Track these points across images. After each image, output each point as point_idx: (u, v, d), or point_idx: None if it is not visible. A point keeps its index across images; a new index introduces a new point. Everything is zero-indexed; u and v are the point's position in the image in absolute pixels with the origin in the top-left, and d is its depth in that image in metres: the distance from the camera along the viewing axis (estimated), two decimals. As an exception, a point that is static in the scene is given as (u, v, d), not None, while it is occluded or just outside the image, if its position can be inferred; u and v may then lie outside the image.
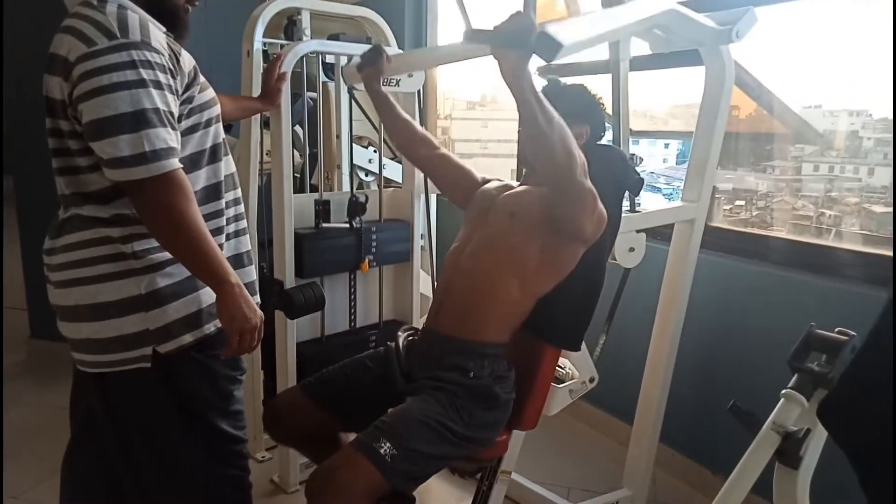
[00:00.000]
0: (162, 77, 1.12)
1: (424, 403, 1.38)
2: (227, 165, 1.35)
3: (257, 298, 1.41)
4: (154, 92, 1.10)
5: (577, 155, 1.27)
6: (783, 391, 1.16)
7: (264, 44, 2.17)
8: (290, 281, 1.95)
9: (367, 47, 1.73)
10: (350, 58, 1.99)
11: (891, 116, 1.94)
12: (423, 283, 2.39)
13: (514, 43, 1.10)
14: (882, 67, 1.73)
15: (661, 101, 2.80)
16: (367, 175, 2.58)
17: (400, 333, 1.66)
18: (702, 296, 1.96)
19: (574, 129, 1.53)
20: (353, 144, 2.39)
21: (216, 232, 1.28)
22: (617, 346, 1.93)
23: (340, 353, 1.88)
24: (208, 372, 1.27)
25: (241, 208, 1.41)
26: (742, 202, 2.40)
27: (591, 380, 1.75)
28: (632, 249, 1.75)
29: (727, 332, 2.08)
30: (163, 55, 1.14)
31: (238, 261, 1.37)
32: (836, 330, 1.21)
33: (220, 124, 1.33)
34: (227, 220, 1.34)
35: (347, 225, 2.08)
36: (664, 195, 3.08)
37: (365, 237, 2.11)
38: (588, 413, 2.55)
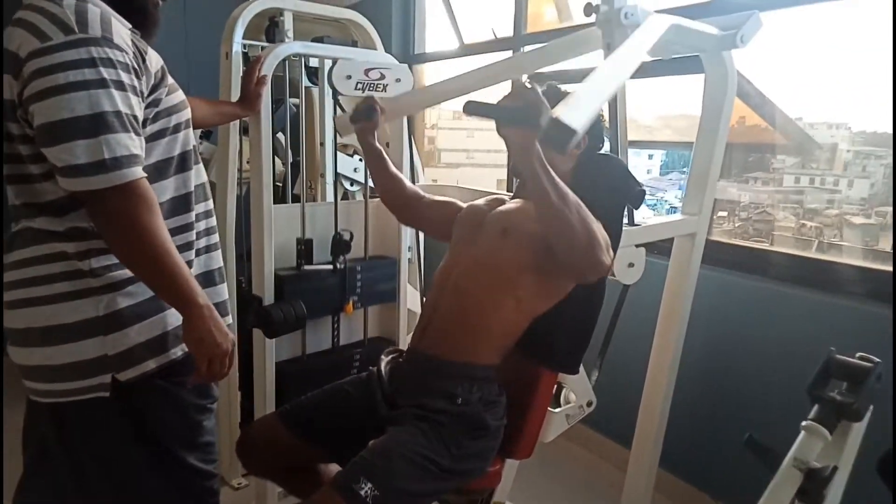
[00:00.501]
0: (125, 77, 1.02)
1: (408, 436, 1.28)
2: (198, 175, 1.24)
3: (229, 319, 1.30)
4: (115, 93, 1.00)
5: (597, 232, 1.16)
6: (804, 423, 1.07)
7: (244, 46, 2.07)
8: (269, 297, 1.83)
9: (352, 51, 1.63)
10: (335, 61, 1.90)
11: (868, 128, 1.97)
12: (411, 299, 2.28)
13: (521, 122, 1.05)
14: (864, 78, 1.74)
15: (646, 110, 2.75)
16: (352, 184, 2.47)
17: (383, 357, 1.55)
18: (703, 312, 1.87)
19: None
20: (338, 152, 2.28)
21: (184, 247, 1.17)
22: (614, 365, 1.83)
23: (322, 373, 1.77)
24: (175, 401, 1.16)
25: (213, 221, 1.30)
26: (724, 213, 2.39)
27: (589, 403, 1.65)
28: (631, 265, 1.65)
29: (730, 351, 2.00)
30: (126, 53, 1.03)
31: (209, 279, 1.26)
32: (858, 356, 1.12)
33: (191, 130, 1.22)
34: (198, 234, 1.23)
35: (331, 266, 1.95)
36: (649, 206, 3.03)
37: (349, 278, 2.00)
38: (583, 436, 2.45)
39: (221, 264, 1.31)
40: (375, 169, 1.68)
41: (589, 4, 1.42)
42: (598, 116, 1.52)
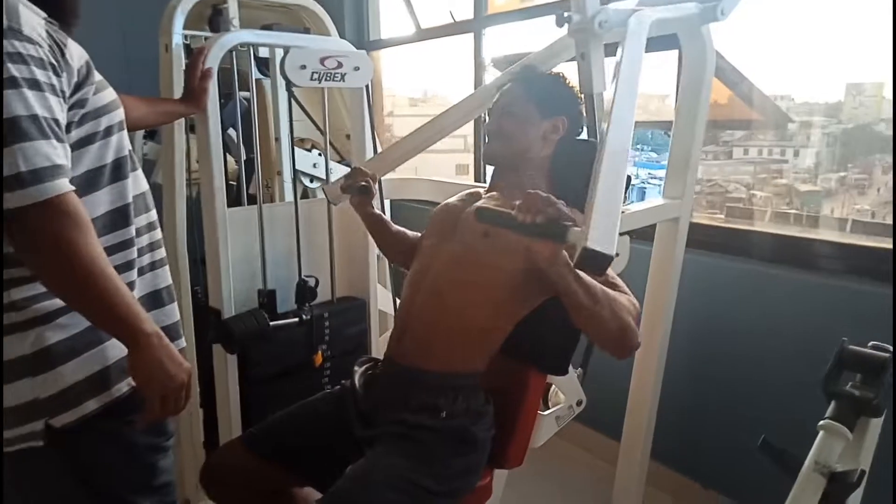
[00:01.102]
0: (40, 74, 0.87)
1: (388, 458, 1.17)
2: (137, 183, 1.09)
3: (182, 342, 1.16)
4: (29, 94, 0.85)
5: (630, 323, 1.13)
6: (822, 422, 0.99)
7: (186, 37, 1.90)
8: (228, 309, 1.68)
9: (306, 38, 1.49)
10: (287, 51, 1.74)
11: (811, 99, 2.03)
12: (382, 299, 2.15)
13: (545, 237, 1.01)
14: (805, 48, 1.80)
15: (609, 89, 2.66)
16: (312, 181, 2.32)
17: (356, 368, 1.43)
18: (688, 298, 1.80)
19: (550, 122, 1.36)
20: (295, 148, 2.13)
21: (125, 267, 1.02)
22: (599, 356, 1.73)
23: (293, 385, 1.65)
24: (123, 443, 1.02)
25: (158, 234, 1.15)
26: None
27: (579, 403, 1.57)
28: (616, 255, 1.56)
29: (717, 336, 1.95)
30: (40, 46, 0.88)
31: (156, 299, 1.12)
32: (871, 345, 1.05)
33: (125, 133, 1.07)
34: (140, 250, 1.08)
35: (297, 319, 1.79)
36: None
37: (316, 327, 1.84)
38: (570, 430, 2.33)
39: (170, 281, 1.16)
40: (379, 234, 1.60)
41: (560, 16, 1.32)
42: (578, 98, 1.42)
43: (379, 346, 2.04)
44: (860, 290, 1.64)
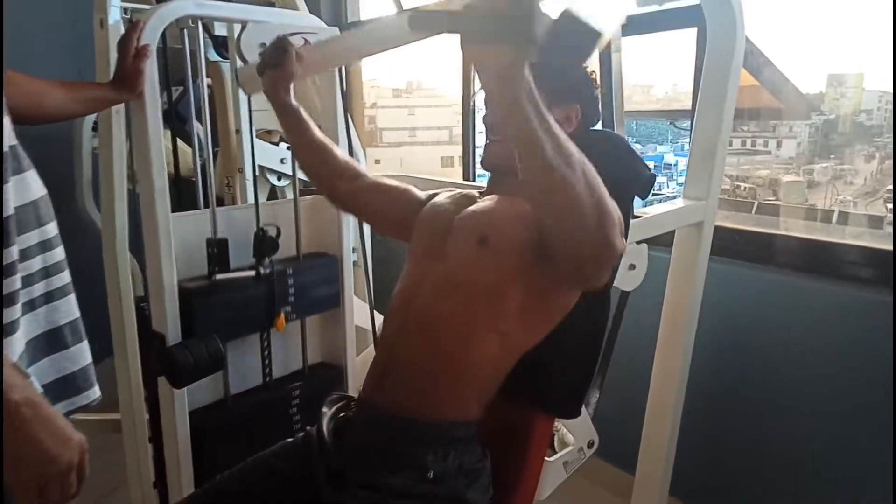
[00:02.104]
0: None
1: None
2: (24, 190, 0.83)
3: (95, 391, 0.90)
4: None
5: (609, 204, 0.80)
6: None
7: (125, 11, 1.62)
8: (173, 335, 1.42)
9: (267, 12, 1.22)
10: (244, 25, 1.48)
11: None
12: (359, 313, 1.90)
13: (504, 32, 0.67)
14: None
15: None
16: (279, 178, 2.05)
17: (325, 410, 1.17)
18: (710, 312, 1.57)
19: (561, 112, 1.11)
20: (259, 141, 1.87)
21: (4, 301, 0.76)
22: (611, 376, 1.51)
23: (253, 420, 1.41)
24: None
25: (59, 254, 0.89)
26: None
27: (591, 444, 1.33)
28: (632, 267, 1.33)
29: (745, 356, 1.72)
30: None
31: (54, 340, 0.86)
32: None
33: (5, 127, 0.80)
34: (28, 278, 0.82)
35: (253, 272, 1.53)
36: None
37: (278, 285, 1.58)
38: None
39: (75, 315, 0.91)
40: (293, 134, 1.29)
41: None
42: (593, 82, 1.17)
43: (356, 372, 1.78)
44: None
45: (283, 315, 1.61)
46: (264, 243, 1.54)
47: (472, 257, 1.04)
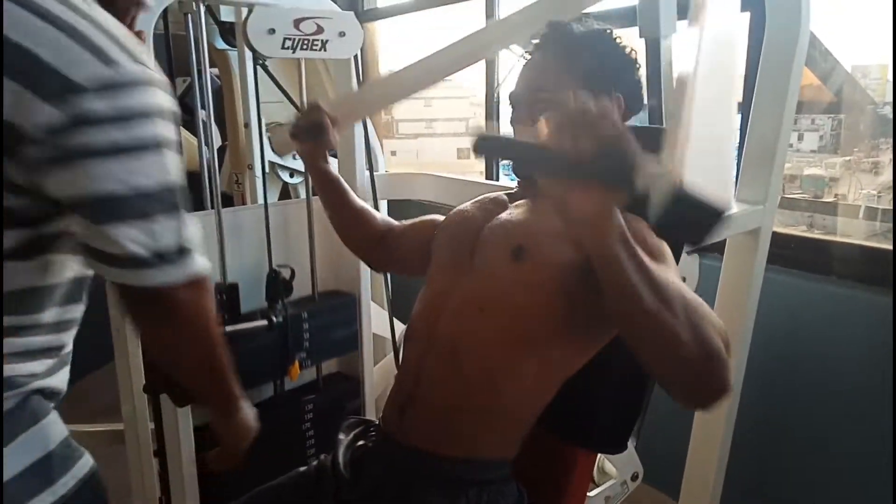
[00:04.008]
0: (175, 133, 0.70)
1: None
2: None
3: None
4: (176, 158, 0.69)
5: (720, 351, 0.66)
6: None
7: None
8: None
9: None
10: (251, 8, 1.35)
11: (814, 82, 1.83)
12: (376, 319, 1.77)
13: (601, 176, 0.56)
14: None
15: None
16: (291, 175, 1.93)
17: (342, 437, 1.05)
18: (764, 326, 1.43)
19: (602, 101, 0.96)
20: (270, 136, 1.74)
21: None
22: (655, 394, 1.38)
23: (263, 436, 1.29)
24: None
25: None
26: None
27: (635, 477, 1.20)
28: (683, 279, 1.19)
29: (802, 374, 1.58)
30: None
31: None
32: None
33: None
34: None
35: (265, 322, 1.42)
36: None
37: (293, 330, 1.47)
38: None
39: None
40: (331, 203, 1.20)
41: None
42: (633, 63, 1.02)
43: (375, 384, 1.66)
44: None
45: (297, 363, 1.51)
46: (277, 286, 1.43)
47: (505, 272, 0.91)
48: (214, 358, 0.81)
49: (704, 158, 0.55)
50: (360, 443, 1.04)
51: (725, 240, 1.36)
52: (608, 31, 1.01)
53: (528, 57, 1.00)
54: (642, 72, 1.04)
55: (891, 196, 1.78)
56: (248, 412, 0.92)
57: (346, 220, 1.20)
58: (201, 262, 0.72)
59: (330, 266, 1.62)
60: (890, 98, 1.78)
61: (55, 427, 0.72)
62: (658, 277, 0.65)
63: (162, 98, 0.67)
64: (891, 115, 1.79)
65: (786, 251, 1.59)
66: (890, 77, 1.78)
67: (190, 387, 0.88)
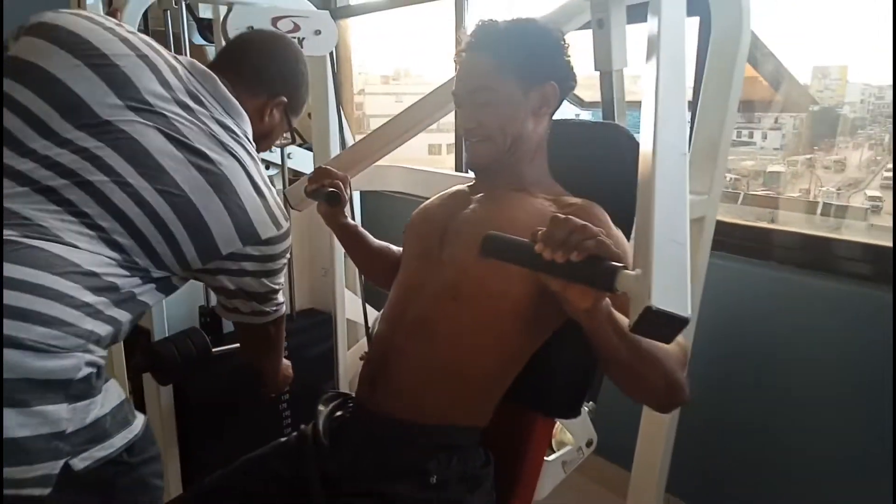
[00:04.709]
0: None
1: None
2: None
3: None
4: None
5: (680, 382, 0.84)
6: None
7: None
8: (160, 329, 1.37)
9: None
10: (231, 7, 1.42)
11: None
12: (350, 306, 1.85)
13: (586, 283, 0.71)
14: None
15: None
16: (267, 167, 1.99)
17: (321, 408, 1.13)
18: (708, 310, 1.54)
19: (538, 93, 1.03)
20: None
21: None
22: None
23: (243, 418, 1.36)
24: (145, 486, 0.90)
25: None
26: None
27: (589, 443, 1.31)
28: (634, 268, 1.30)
29: (744, 356, 1.70)
30: None
31: None
32: None
33: None
34: None
35: None
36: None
37: None
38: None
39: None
40: (355, 251, 1.31)
41: None
42: (560, 46, 1.06)
43: (348, 365, 1.74)
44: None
45: None
46: None
47: (475, 266, 0.99)
48: (279, 350, 1.27)
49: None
50: (339, 413, 1.12)
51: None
52: (535, 20, 1.06)
53: (463, 56, 1.05)
54: (571, 51, 1.08)
55: (850, 194, 1.88)
56: (287, 371, 1.37)
57: (368, 261, 1.30)
58: (282, 311, 1.16)
59: (306, 283, 1.70)
60: (849, 98, 1.87)
61: (117, 385, 0.89)
62: (643, 347, 0.79)
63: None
64: (850, 115, 1.89)
65: (732, 239, 1.72)
66: (849, 78, 1.88)
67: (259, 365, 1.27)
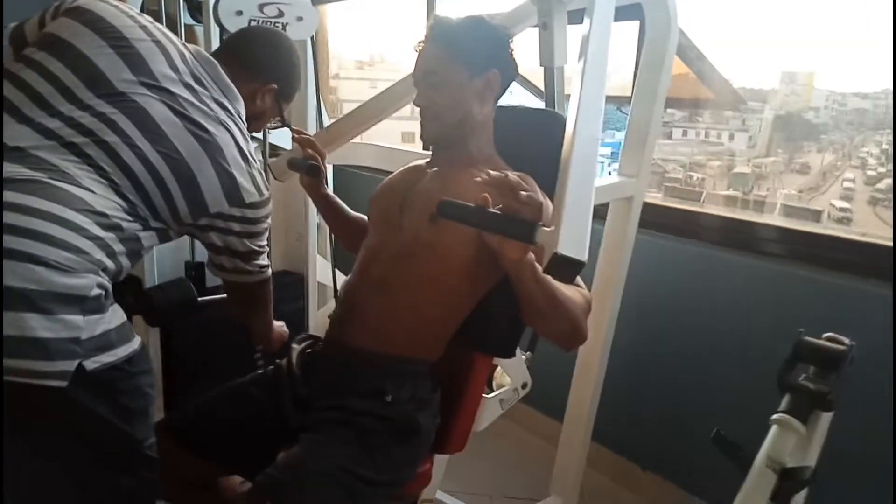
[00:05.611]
0: None
1: (324, 446, 1.09)
2: None
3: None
4: None
5: (582, 324, 1.11)
6: (774, 416, 0.96)
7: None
8: (150, 278, 1.54)
9: None
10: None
11: (747, 85, 2.12)
12: (322, 270, 2.04)
13: (514, 236, 0.90)
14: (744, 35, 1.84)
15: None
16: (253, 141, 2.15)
17: (294, 346, 1.33)
18: (636, 280, 1.77)
19: (482, 79, 1.21)
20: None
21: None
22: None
23: (221, 365, 1.53)
24: (139, 392, 1.03)
25: None
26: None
27: (524, 385, 1.51)
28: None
29: (666, 320, 1.93)
30: None
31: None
32: (825, 336, 1.02)
33: None
34: None
35: (225, 295, 1.61)
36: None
37: None
38: (512, 410, 2.31)
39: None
40: (334, 220, 1.49)
41: None
42: (505, 40, 1.25)
43: (318, 322, 1.93)
44: (814, 278, 1.63)
45: None
46: None
47: (425, 231, 1.18)
48: (267, 310, 1.39)
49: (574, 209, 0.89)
50: (310, 350, 1.31)
51: (608, 204, 1.69)
52: (480, 17, 1.24)
53: (421, 46, 1.24)
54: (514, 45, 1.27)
55: (811, 197, 1.97)
56: (281, 329, 1.49)
57: (345, 230, 1.48)
58: (266, 274, 1.29)
59: (280, 247, 1.86)
60: (815, 104, 1.97)
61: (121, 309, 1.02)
62: (552, 289, 1.01)
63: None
64: (814, 120, 2.00)
65: (666, 220, 1.94)
66: (815, 84, 1.98)
67: (252, 320, 1.40)
